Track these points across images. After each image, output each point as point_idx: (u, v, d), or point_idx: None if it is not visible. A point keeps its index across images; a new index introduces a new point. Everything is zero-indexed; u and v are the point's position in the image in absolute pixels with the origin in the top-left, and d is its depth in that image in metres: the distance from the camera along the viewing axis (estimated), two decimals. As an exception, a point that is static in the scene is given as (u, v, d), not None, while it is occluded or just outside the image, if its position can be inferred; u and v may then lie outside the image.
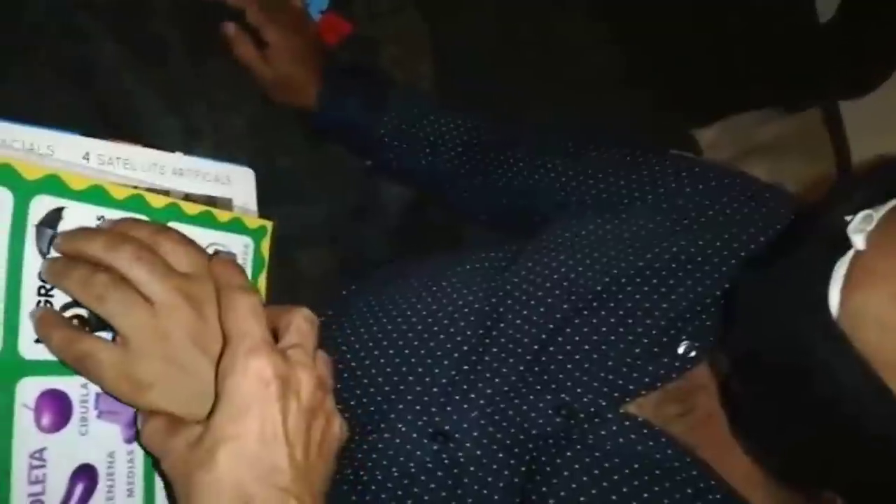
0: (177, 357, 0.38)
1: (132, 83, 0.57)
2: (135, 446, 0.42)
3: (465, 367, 0.52)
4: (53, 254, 0.39)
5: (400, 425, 0.50)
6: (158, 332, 0.38)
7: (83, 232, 0.40)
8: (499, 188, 0.67)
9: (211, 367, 0.38)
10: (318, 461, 0.39)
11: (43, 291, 0.39)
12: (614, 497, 0.46)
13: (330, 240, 0.69)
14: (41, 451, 0.38)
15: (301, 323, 0.40)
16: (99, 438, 0.40)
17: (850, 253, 0.38)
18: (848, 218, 0.39)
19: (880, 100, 1.10)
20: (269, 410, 0.36)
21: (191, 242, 0.42)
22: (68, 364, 0.38)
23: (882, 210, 0.39)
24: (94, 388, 0.40)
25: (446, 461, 0.49)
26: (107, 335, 0.40)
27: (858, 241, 0.38)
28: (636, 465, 0.46)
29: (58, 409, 0.39)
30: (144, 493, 0.42)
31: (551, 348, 0.51)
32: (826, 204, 0.41)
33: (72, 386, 0.40)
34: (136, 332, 0.38)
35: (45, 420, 0.38)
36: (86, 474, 0.40)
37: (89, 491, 0.40)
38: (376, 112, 0.69)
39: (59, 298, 0.40)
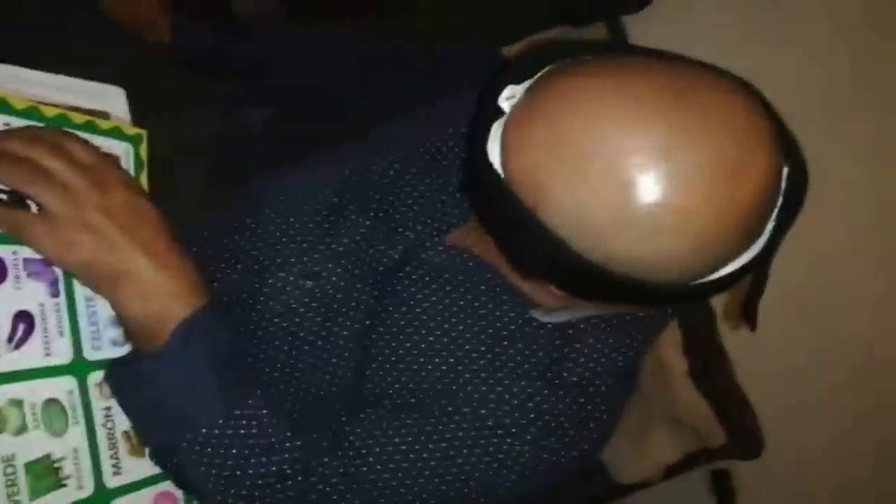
0: (88, 222, 0.51)
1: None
2: (60, 299, 0.54)
3: (327, 225, 0.68)
4: None
5: (281, 273, 0.66)
6: (74, 206, 0.51)
7: (2, 133, 0.51)
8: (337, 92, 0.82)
9: (111, 226, 0.52)
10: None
11: (-30, 179, 0.50)
12: (435, 298, 0.63)
13: (201, 156, 0.82)
14: (-12, 299, 0.50)
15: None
16: (31, 292, 0.53)
17: (504, 117, 0.51)
18: (504, 92, 0.52)
19: (657, 14, 1.32)
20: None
21: (86, 141, 0.55)
22: (6, 231, 0.51)
23: (526, 84, 0.52)
24: (22, 254, 0.53)
25: (318, 294, 0.65)
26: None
27: (505, 107, 0.52)
28: (448, 275, 0.64)
29: (-4, 268, 0.51)
30: (71, 335, 0.55)
31: (385, 205, 0.68)
32: (496, 78, 0.54)
33: (5, 253, 0.52)
34: (59, 206, 0.50)
35: (-14, 277, 0.50)
36: (25, 318, 0.52)
37: (29, 330, 0.52)
38: (236, 34, 0.82)
39: (-14, 186, 0.51)
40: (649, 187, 0.45)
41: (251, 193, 0.73)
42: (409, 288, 0.65)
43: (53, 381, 0.53)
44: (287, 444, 0.57)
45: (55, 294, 0.54)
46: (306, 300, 0.66)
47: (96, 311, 0.57)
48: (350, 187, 0.69)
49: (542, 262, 0.51)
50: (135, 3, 0.79)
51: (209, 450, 0.54)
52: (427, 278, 0.65)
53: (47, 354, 0.53)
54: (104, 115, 0.62)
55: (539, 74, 0.52)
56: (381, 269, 0.66)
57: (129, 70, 0.77)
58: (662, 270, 0.48)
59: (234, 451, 0.55)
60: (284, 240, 0.68)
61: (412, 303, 0.64)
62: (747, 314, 0.53)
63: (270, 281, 0.66)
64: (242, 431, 0.55)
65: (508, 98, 0.52)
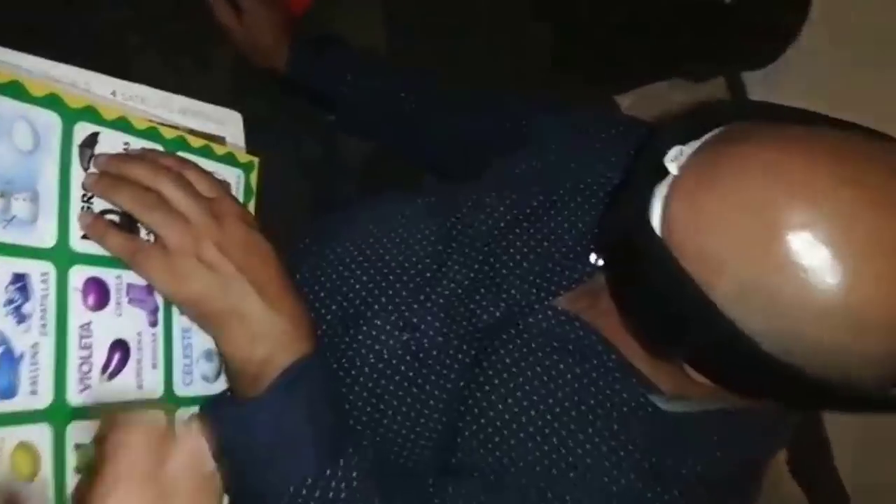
0: (205, 257, 0.49)
1: (135, 41, 0.66)
2: (158, 329, 0.52)
3: (428, 274, 0.64)
4: (92, 169, 0.49)
5: (377, 321, 0.62)
6: (192, 239, 0.49)
7: (127, 157, 0.50)
8: (446, 137, 0.78)
9: (227, 262, 0.50)
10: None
11: (86, 198, 0.49)
12: (539, 368, 0.58)
13: (301, 180, 0.80)
14: (88, 324, 0.48)
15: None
16: (130, 319, 0.50)
17: (669, 178, 0.48)
18: (669, 151, 0.48)
19: (776, 71, 1.26)
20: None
21: (208, 173, 0.54)
22: (120, 257, 0.49)
23: (694, 145, 0.48)
24: (126, 279, 0.50)
25: (413, 348, 0.61)
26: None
27: (673, 168, 0.48)
28: (556, 343, 0.59)
29: (99, 292, 0.49)
30: (164, 368, 0.52)
31: (492, 259, 0.64)
32: (656, 138, 0.50)
33: (109, 276, 0.49)
34: (176, 238, 0.49)
35: (90, 300, 0.48)
36: (121, 346, 0.50)
37: (124, 360, 0.50)
38: (338, 75, 0.79)
39: (98, 205, 0.49)
40: (854, 280, 0.40)
41: (352, 229, 0.69)
42: (511, 352, 0.60)
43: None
44: None
45: (154, 323, 0.52)
46: (400, 352, 0.61)
47: (191, 343, 0.55)
48: (454, 236, 0.65)
49: (695, 344, 0.46)
50: (259, 31, 0.77)
51: None
52: (532, 344, 0.59)
53: (139, 387, 0.50)
54: (220, 140, 0.60)
55: (712, 135, 0.48)
56: (482, 327, 0.61)
57: (238, 90, 0.76)
58: (847, 371, 0.42)
59: None
60: (384, 284, 0.64)
61: (514, 370, 0.59)
62: None
63: (364, 328, 0.62)
64: (331, 494, 0.51)
65: (675, 159, 0.47)
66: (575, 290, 0.62)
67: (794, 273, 0.41)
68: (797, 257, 0.41)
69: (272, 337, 0.50)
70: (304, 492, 0.50)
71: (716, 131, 0.48)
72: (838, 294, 0.40)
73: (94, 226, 0.49)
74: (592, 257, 0.62)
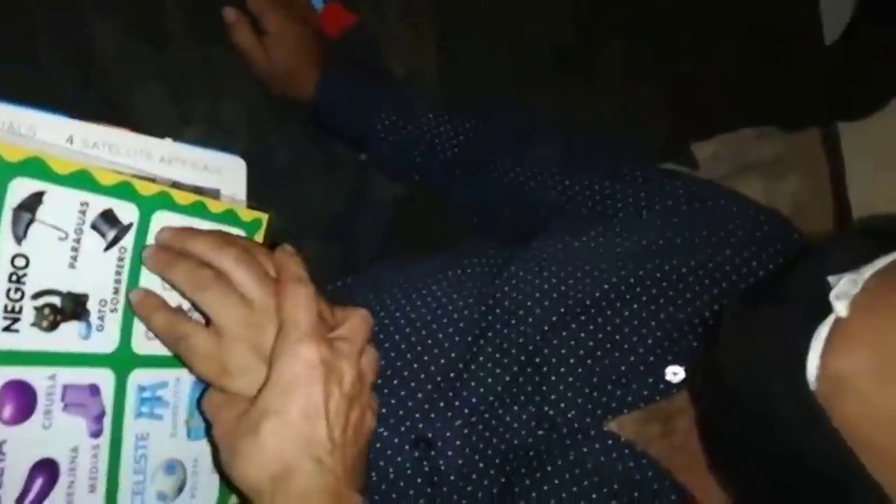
0: (263, 350, 0.41)
1: (128, 64, 0.55)
2: (101, 440, 0.41)
3: (451, 375, 0.51)
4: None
5: (382, 430, 0.50)
6: (252, 327, 0.41)
7: (189, 230, 0.43)
8: (492, 190, 0.65)
9: None
10: (352, 445, 0.41)
11: (14, 278, 0.37)
12: (585, 501, 0.45)
13: (322, 234, 0.68)
14: (0, 444, 0.37)
15: (355, 320, 0.43)
16: (63, 432, 0.39)
17: (832, 318, 0.37)
18: (831, 279, 0.38)
19: (877, 123, 1.10)
20: (312, 390, 0.39)
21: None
22: (165, 343, 0.42)
23: (864, 274, 0.37)
24: (62, 380, 0.39)
25: (427, 469, 0.49)
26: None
27: (841, 308, 0.36)
28: (615, 485, 0.46)
29: (20, 400, 0.38)
30: (107, 489, 0.41)
31: (537, 360, 0.51)
32: (811, 261, 0.40)
33: (38, 377, 0.38)
34: (233, 324, 0.41)
35: (6, 412, 0.37)
36: (46, 469, 0.38)
37: (49, 486, 0.38)
38: (373, 108, 0.67)
39: (30, 286, 0.38)
40: None
41: (369, 302, 0.57)
42: (549, 479, 0.47)
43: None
44: None
45: (97, 433, 0.41)
46: (410, 472, 0.49)
47: (147, 453, 0.43)
48: (490, 323, 0.52)
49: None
50: (285, 56, 0.65)
51: None
52: (576, 471, 0.47)
53: (65, 521, 0.39)
54: (213, 194, 0.49)
55: (890, 261, 0.37)
56: (515, 448, 0.49)
57: (250, 123, 0.64)
58: None
59: None
60: (395, 382, 0.51)
61: (552, 501, 0.46)
62: None
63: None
64: None
65: (842, 296, 0.36)
66: (642, 411, 0.49)
67: None
68: None
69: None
70: None
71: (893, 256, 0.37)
72: None
73: (145, 302, 0.42)
74: (670, 371, 0.49)
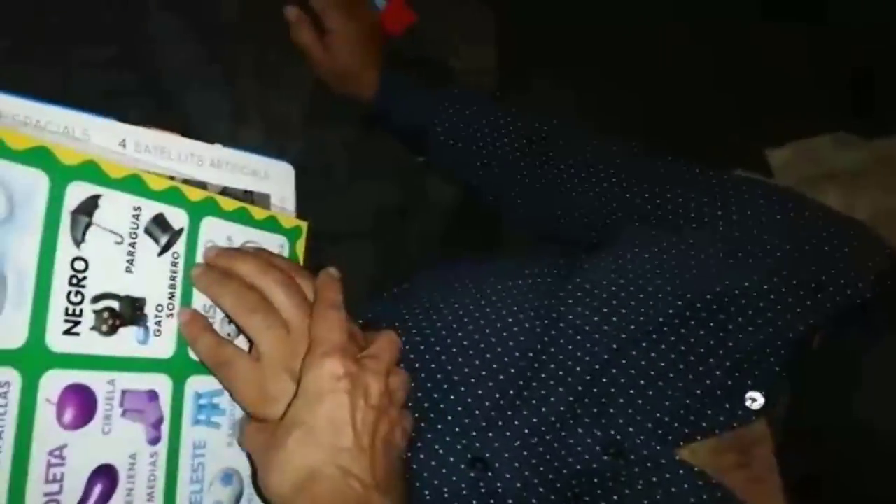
0: (298, 374, 0.41)
1: (186, 61, 0.55)
2: (158, 447, 0.40)
3: (511, 392, 0.48)
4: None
5: (437, 447, 0.48)
6: (292, 353, 0.41)
7: (235, 251, 0.45)
8: (552, 198, 0.63)
9: None
10: (382, 456, 0.41)
11: (74, 282, 0.37)
12: None
13: (372, 236, 0.67)
14: (61, 448, 0.36)
15: (383, 340, 0.44)
16: (122, 438, 0.39)
17: None
18: None
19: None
20: (338, 400, 0.39)
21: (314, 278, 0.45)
22: (207, 365, 0.42)
23: None
24: (121, 385, 0.39)
25: (483, 490, 0.46)
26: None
27: None
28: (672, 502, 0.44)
29: (81, 405, 0.37)
30: (165, 498, 0.40)
31: (604, 380, 0.48)
32: None
33: (98, 381, 0.38)
34: (274, 350, 0.41)
35: (68, 416, 0.37)
36: (105, 475, 0.38)
37: (108, 493, 0.38)
38: (433, 110, 0.66)
39: (90, 289, 0.38)
40: None
41: (416, 315, 0.55)
42: None
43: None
44: None
45: (156, 440, 0.40)
46: (464, 492, 0.46)
47: (205, 462, 0.43)
48: (553, 342, 0.49)
49: None
50: (347, 54, 0.65)
51: None
52: (644, 502, 0.44)
53: (125, 530, 0.38)
54: (263, 199, 0.49)
55: None
56: (577, 472, 0.46)
57: (308, 122, 0.64)
58: None
59: None
60: (453, 398, 0.49)
61: None
62: None
63: (422, 456, 0.48)
64: None
65: None
66: (717, 439, 0.46)
67: None
68: None
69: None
70: None
71: None
72: None
73: (192, 323, 0.42)
74: (751, 397, 0.46)
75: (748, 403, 0.45)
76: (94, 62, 0.49)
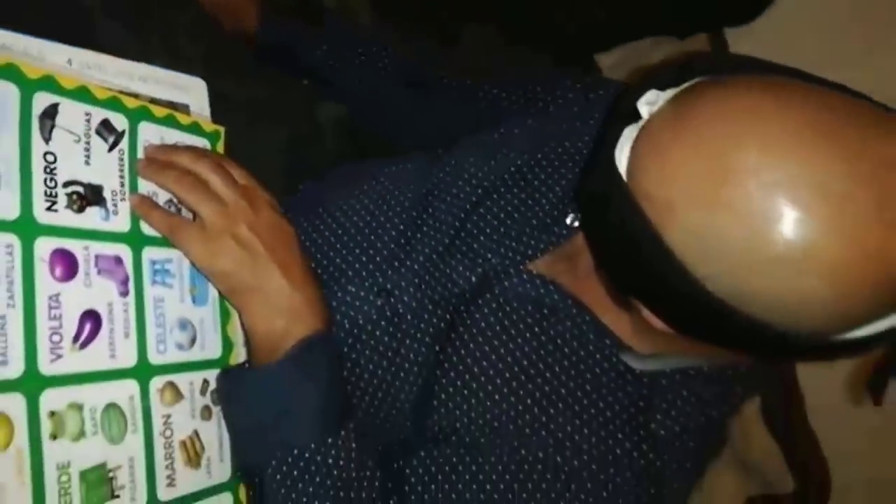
0: (238, 235, 0.54)
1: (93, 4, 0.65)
2: (128, 299, 0.52)
3: (402, 241, 0.64)
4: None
5: (350, 287, 0.63)
6: (228, 219, 0.54)
7: (172, 147, 0.56)
8: (427, 110, 0.77)
9: (257, 241, 0.54)
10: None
11: (48, 171, 0.48)
12: (514, 331, 0.59)
13: (284, 149, 0.79)
14: (56, 295, 0.48)
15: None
16: (100, 290, 0.50)
17: (640, 122, 0.48)
18: (644, 96, 0.48)
19: (760, 28, 1.24)
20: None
21: (242, 165, 0.58)
22: (162, 233, 0.54)
23: (669, 93, 0.48)
24: (94, 250, 0.50)
25: (388, 313, 0.62)
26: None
27: (644, 112, 0.48)
28: (530, 307, 0.60)
29: (66, 263, 0.49)
30: (137, 335, 0.53)
31: (468, 225, 0.64)
32: (629, 88, 0.51)
33: (76, 247, 0.49)
34: (214, 217, 0.53)
35: (58, 271, 0.48)
36: (92, 317, 0.50)
37: (95, 329, 0.50)
38: (314, 34, 0.78)
39: (60, 176, 0.49)
40: (802, 225, 0.40)
41: (326, 197, 0.69)
42: (486, 316, 0.60)
43: (115, 385, 0.50)
44: (365, 484, 0.54)
45: (125, 293, 0.52)
46: (374, 317, 0.62)
47: (164, 312, 0.55)
48: (430, 202, 0.65)
49: (653, 289, 0.47)
50: (241, 16, 0.75)
51: (294, 473, 0.52)
52: (507, 308, 0.60)
53: (112, 356, 0.50)
54: (184, 109, 0.60)
55: (687, 85, 0.48)
56: (457, 293, 0.62)
57: (208, 61, 0.74)
58: (797, 317, 0.42)
59: (317, 479, 0.52)
60: (357, 251, 0.65)
61: (488, 333, 0.59)
62: (875, 387, 0.47)
63: (339, 294, 0.63)
64: (330, 461, 0.52)
65: (649, 103, 0.47)
66: (551, 254, 0.62)
67: (742, 217, 0.41)
68: (745, 201, 0.40)
69: (291, 311, 0.54)
70: (306, 455, 0.52)
71: (692, 81, 0.48)
72: (785, 239, 0.40)
73: (141, 204, 0.53)
74: (569, 218, 0.63)
75: (568, 221, 0.61)
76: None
